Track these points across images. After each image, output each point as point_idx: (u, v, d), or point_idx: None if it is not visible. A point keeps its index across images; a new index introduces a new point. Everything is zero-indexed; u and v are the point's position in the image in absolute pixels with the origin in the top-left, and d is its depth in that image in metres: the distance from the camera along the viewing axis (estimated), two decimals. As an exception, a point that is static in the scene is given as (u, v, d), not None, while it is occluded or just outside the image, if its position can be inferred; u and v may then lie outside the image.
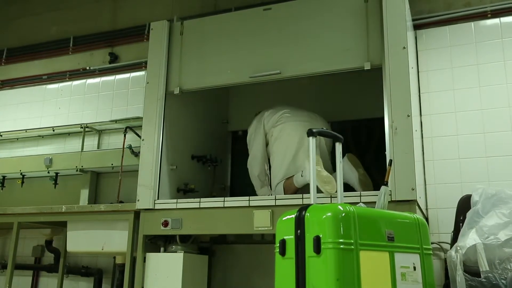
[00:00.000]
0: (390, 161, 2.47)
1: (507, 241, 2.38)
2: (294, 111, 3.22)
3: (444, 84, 3.42)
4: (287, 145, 3.10)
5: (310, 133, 2.06)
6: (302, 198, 2.71)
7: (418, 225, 1.92)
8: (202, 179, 3.63)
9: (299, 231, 1.72)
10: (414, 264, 1.82)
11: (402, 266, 1.78)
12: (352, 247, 1.64)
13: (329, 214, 1.66)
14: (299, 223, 1.73)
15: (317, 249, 1.63)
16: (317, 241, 1.64)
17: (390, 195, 2.46)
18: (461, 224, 2.69)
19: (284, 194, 2.98)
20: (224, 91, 4.01)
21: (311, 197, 1.95)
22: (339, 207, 1.71)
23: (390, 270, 1.73)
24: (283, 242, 1.78)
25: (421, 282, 1.81)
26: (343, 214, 1.66)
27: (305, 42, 2.99)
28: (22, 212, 3.59)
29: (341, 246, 1.62)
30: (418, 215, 2.05)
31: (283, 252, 1.77)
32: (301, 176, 2.94)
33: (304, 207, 1.77)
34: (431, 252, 1.96)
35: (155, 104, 3.21)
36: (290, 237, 1.76)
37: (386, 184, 2.36)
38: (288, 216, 1.81)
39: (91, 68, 4.61)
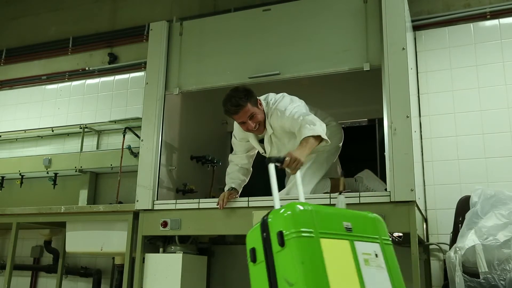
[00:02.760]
0: (342, 172, 2.50)
1: (506, 242, 2.39)
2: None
3: (443, 85, 3.42)
4: (333, 145, 3.02)
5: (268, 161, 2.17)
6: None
7: (375, 220, 1.96)
8: (201, 179, 3.63)
9: (264, 234, 1.78)
10: (375, 251, 1.87)
11: (364, 253, 1.82)
12: (313, 235, 1.71)
13: (289, 212, 1.76)
14: (264, 227, 1.79)
15: (281, 242, 1.68)
16: (280, 235, 1.69)
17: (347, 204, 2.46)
18: (460, 225, 2.69)
19: (331, 190, 2.93)
20: (224, 92, 4.00)
21: (275, 203, 1.98)
22: (297, 205, 1.79)
23: (353, 256, 1.78)
24: (253, 250, 1.84)
25: (385, 267, 1.85)
26: (302, 209, 1.77)
27: (304, 43, 3.00)
28: (21, 212, 3.59)
29: (302, 234, 1.69)
30: (376, 214, 2.04)
31: (254, 259, 1.82)
32: (355, 181, 3.05)
33: (266, 214, 1.83)
34: (391, 243, 1.97)
35: (154, 104, 3.21)
36: (258, 244, 1.81)
37: (341, 194, 2.44)
38: (254, 227, 1.87)
39: (91, 68, 4.61)
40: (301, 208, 1.75)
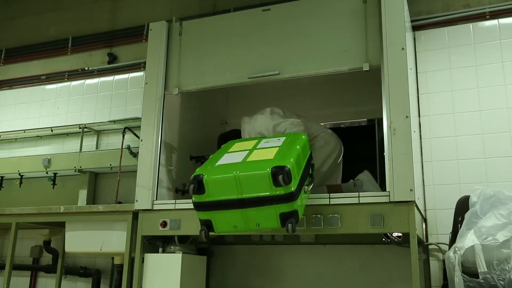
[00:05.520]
0: None
1: (505, 242, 2.39)
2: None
3: (442, 85, 3.43)
4: (328, 154, 3.11)
5: None
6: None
7: (291, 135, 2.72)
8: (201, 179, 3.61)
9: None
10: (279, 139, 2.63)
11: (266, 141, 2.65)
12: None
13: None
14: None
15: None
16: None
17: None
18: (459, 225, 2.69)
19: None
20: (223, 92, 4.01)
21: None
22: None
23: (256, 143, 2.66)
24: None
25: (280, 144, 2.53)
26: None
27: (304, 43, 3.00)
28: (21, 212, 3.59)
29: None
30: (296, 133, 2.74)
31: None
32: (354, 186, 3.07)
33: None
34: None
35: (154, 104, 3.21)
36: None
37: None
38: None
39: (90, 68, 4.61)
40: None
